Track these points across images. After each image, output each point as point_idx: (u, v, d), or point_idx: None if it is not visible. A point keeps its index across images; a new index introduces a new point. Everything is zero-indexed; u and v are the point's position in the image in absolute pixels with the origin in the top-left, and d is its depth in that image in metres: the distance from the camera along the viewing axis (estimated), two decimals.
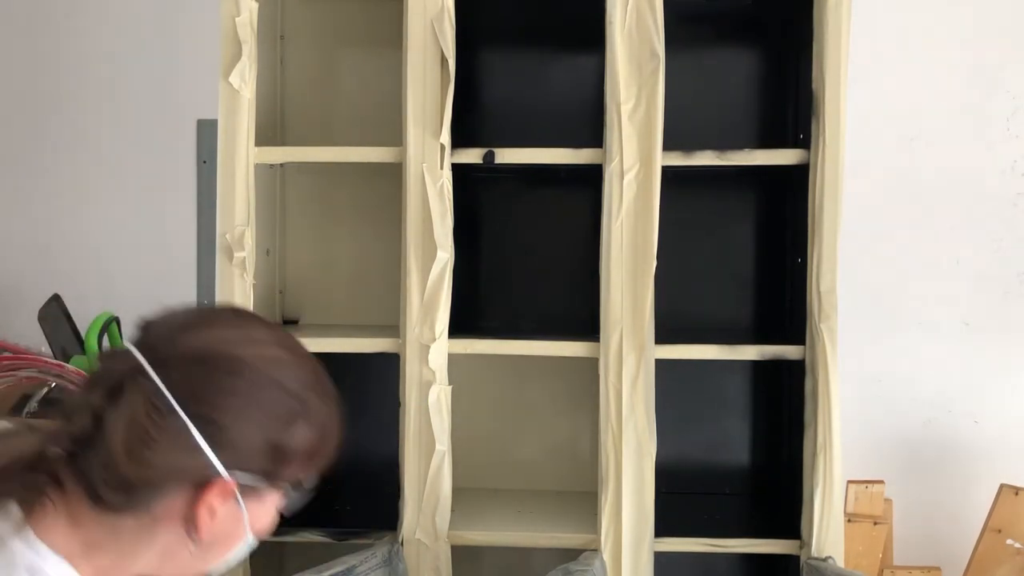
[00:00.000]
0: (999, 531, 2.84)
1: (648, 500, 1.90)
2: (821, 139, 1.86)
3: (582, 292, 1.98)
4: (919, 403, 3.22)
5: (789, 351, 1.93)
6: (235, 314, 1.09)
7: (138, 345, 1.03)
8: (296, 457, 1.06)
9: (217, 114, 1.90)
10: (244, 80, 1.89)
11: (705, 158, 1.91)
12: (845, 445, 1.88)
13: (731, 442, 2.19)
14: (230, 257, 1.91)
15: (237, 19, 1.89)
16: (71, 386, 2.11)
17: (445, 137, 1.89)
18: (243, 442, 1.02)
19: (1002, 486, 2.87)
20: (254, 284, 1.92)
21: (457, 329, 1.93)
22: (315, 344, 2.01)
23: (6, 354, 2.22)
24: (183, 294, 3.37)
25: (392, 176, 1.95)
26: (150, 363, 1.01)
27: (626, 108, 1.87)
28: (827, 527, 1.88)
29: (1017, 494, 2.83)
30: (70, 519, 1.02)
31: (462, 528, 1.94)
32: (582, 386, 2.02)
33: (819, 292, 1.87)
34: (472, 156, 1.92)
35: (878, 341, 3.17)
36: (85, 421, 1.01)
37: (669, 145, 1.88)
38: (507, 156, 1.92)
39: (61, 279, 2.94)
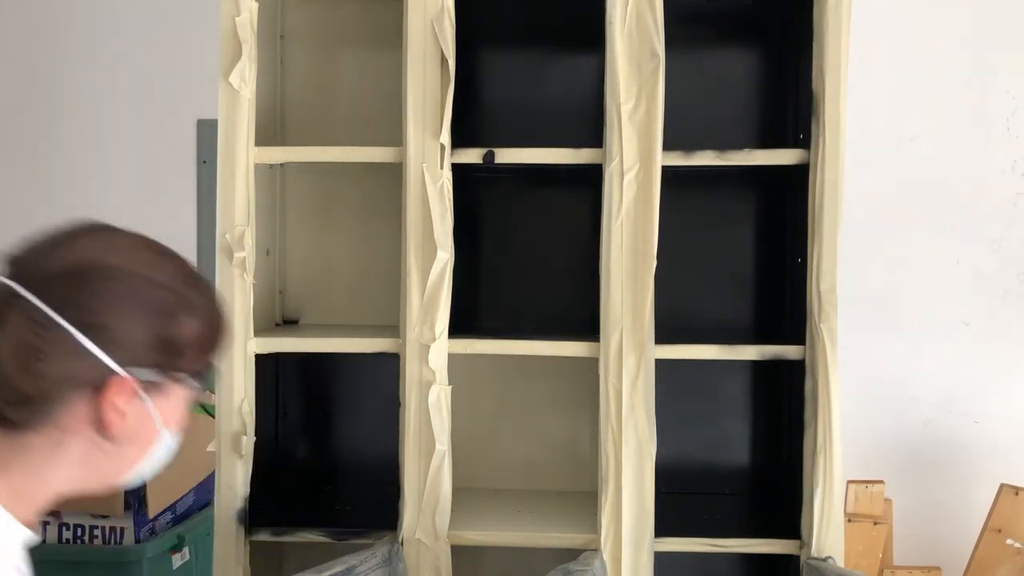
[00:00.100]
0: (999, 531, 2.84)
1: (648, 500, 1.90)
2: (821, 139, 1.86)
3: (582, 292, 1.98)
4: (919, 403, 3.23)
5: (789, 351, 1.93)
6: (95, 227, 1.13)
7: (9, 275, 1.07)
8: (187, 348, 1.11)
9: (217, 114, 1.90)
10: (244, 80, 1.89)
11: (705, 158, 1.91)
12: (845, 445, 1.88)
13: (731, 442, 2.19)
14: (230, 257, 1.91)
15: (237, 19, 1.89)
16: None
17: (445, 137, 1.89)
18: (129, 339, 1.07)
19: (1002, 486, 2.87)
20: (254, 284, 1.92)
21: (457, 329, 1.93)
22: (315, 344, 2.03)
23: None
24: None
25: (392, 176, 1.95)
26: (24, 287, 1.05)
27: (626, 108, 1.87)
28: (827, 527, 1.88)
29: (1017, 494, 2.84)
30: None
31: (462, 528, 1.94)
32: (582, 386, 2.02)
33: (819, 292, 1.87)
34: (472, 156, 1.92)
35: (878, 341, 3.18)
36: None
37: (669, 145, 1.88)
38: (507, 156, 1.92)
39: None
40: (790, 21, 2.02)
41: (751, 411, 2.19)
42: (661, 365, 1.90)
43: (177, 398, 1.14)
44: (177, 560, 2.51)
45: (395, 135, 1.93)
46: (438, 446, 1.91)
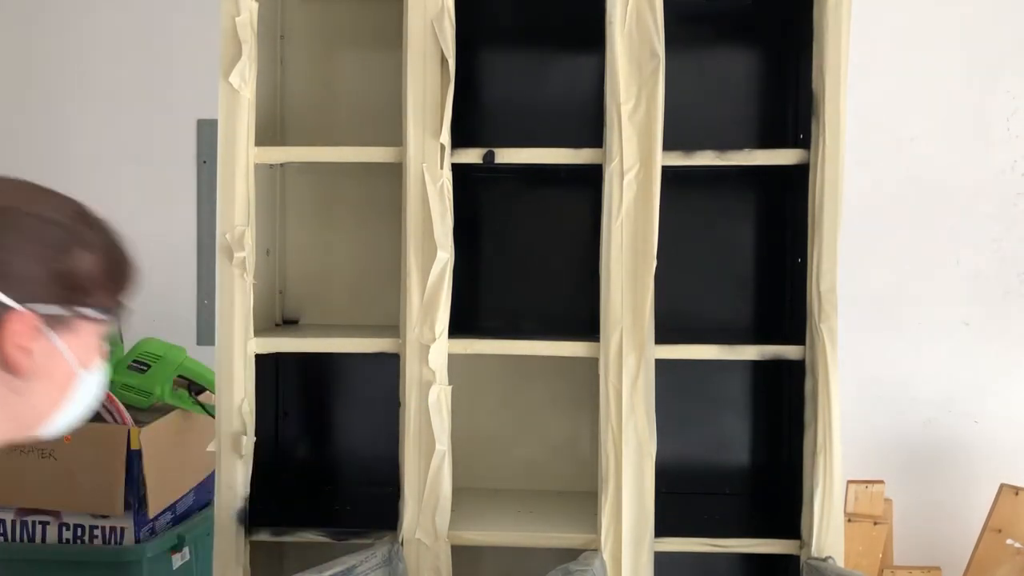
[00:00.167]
0: (999, 531, 2.85)
1: (648, 500, 1.90)
2: (821, 139, 1.86)
3: (582, 292, 1.98)
4: (919, 403, 3.23)
5: (789, 351, 1.93)
6: None
7: None
8: (89, 282, 1.11)
9: (217, 114, 1.90)
10: (244, 80, 1.89)
11: (705, 158, 1.91)
12: (845, 445, 1.88)
13: (731, 442, 2.19)
14: (230, 257, 1.91)
15: (237, 19, 1.89)
16: None
17: (445, 137, 1.89)
18: (23, 275, 1.07)
19: (1002, 486, 2.87)
20: (254, 284, 1.92)
21: (457, 329, 1.93)
22: (315, 344, 2.03)
23: None
24: (183, 294, 3.37)
25: (392, 176, 1.95)
26: None
27: (626, 108, 1.87)
28: (827, 527, 1.88)
29: (1017, 494, 2.84)
30: None
31: (462, 528, 1.94)
32: (582, 386, 2.02)
33: (819, 292, 1.87)
34: (472, 156, 1.92)
35: (878, 341, 3.18)
36: None
37: (669, 145, 1.88)
38: (507, 156, 1.92)
39: None
40: (790, 21, 2.02)
41: (751, 411, 2.19)
42: (661, 365, 1.90)
43: (88, 334, 1.13)
44: (177, 560, 2.51)
45: (395, 135, 1.93)
46: (438, 446, 1.91)
